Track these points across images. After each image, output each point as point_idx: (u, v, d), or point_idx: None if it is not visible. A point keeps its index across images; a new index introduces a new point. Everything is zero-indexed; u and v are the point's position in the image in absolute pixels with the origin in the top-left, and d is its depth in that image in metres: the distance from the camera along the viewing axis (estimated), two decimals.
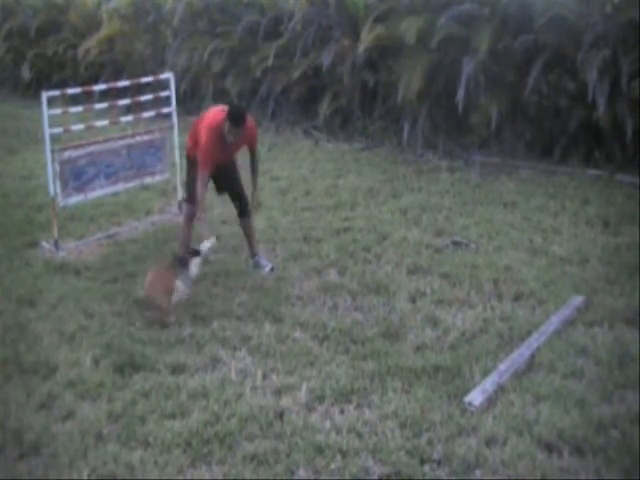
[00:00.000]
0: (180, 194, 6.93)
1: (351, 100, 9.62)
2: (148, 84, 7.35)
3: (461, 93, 7.93)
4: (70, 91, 6.91)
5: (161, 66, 11.11)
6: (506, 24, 8.17)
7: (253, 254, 5.62)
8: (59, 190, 6.01)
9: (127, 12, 12.21)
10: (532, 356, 4.15)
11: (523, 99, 7.98)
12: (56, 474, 3.35)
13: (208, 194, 5.35)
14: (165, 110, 6.94)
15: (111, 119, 7.19)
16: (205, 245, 5.08)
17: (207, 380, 4.04)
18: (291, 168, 8.39)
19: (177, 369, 4.18)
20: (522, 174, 7.79)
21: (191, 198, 5.47)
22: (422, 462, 3.34)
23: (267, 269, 5.50)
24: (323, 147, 9.33)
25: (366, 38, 8.85)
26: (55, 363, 4.24)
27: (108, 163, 6.36)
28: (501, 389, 3.85)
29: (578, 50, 7.57)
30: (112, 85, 7.48)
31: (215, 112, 5.21)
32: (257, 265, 5.55)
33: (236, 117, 5.00)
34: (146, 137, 6.68)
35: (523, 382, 3.92)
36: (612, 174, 7.42)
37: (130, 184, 6.67)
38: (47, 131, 5.86)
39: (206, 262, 5.18)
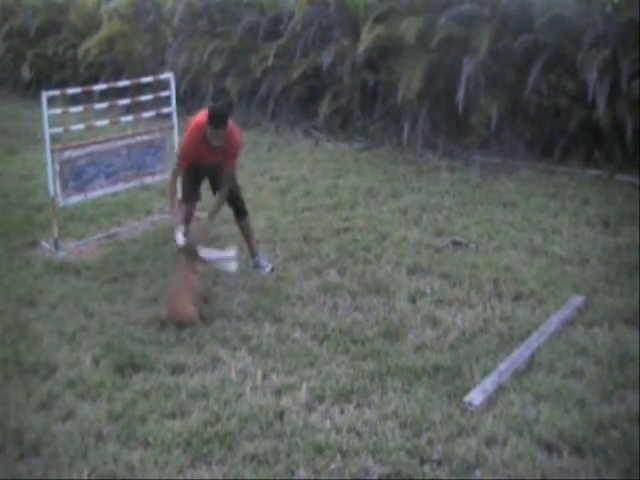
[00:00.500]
0: (180, 194, 6.93)
1: (351, 100, 9.62)
2: (148, 84, 7.35)
3: (461, 93, 7.93)
4: (70, 91, 6.91)
5: (161, 66, 11.10)
6: (506, 24, 8.17)
7: (253, 254, 5.63)
8: (59, 190, 6.01)
9: (127, 12, 12.20)
10: (532, 356, 4.15)
11: (523, 99, 7.98)
12: (56, 474, 3.35)
13: (199, 193, 5.45)
14: (165, 110, 6.94)
15: (111, 119, 7.18)
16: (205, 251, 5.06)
17: (207, 380, 4.04)
18: (291, 168, 8.39)
19: (177, 369, 4.17)
20: (522, 174, 7.79)
21: (185, 198, 5.51)
22: (422, 462, 3.34)
23: (267, 269, 5.50)
24: (323, 147, 9.33)
25: (366, 38, 8.85)
26: (55, 363, 4.24)
27: (108, 163, 6.36)
28: (501, 389, 3.85)
29: (578, 50, 7.57)
30: (112, 85, 7.49)
31: (204, 113, 5.17)
32: (257, 265, 5.55)
33: (214, 118, 4.91)
34: (146, 137, 6.68)
35: (523, 382, 3.92)
36: (612, 174, 7.42)
37: (130, 184, 6.67)
38: (47, 131, 5.86)
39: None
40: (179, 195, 5.58)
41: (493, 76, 8.22)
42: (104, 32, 12.31)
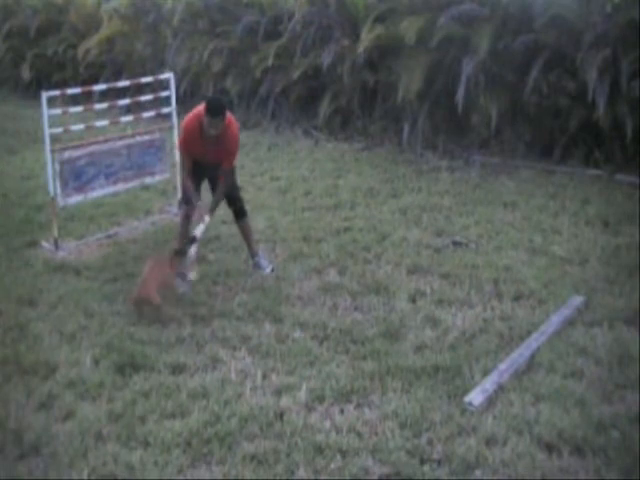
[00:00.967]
0: (180, 194, 6.93)
1: (351, 100, 9.62)
2: (148, 84, 7.36)
3: (461, 93, 7.93)
4: (70, 91, 6.91)
5: (161, 66, 11.10)
6: (506, 24, 8.16)
7: (253, 255, 5.62)
8: (59, 190, 6.01)
9: (127, 12, 12.20)
10: (532, 356, 4.14)
11: (523, 99, 7.98)
12: (56, 474, 3.35)
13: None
14: (165, 110, 6.95)
15: (111, 119, 7.19)
16: (200, 228, 5.15)
17: (207, 380, 4.04)
18: (291, 168, 8.40)
19: (177, 369, 4.17)
20: (522, 174, 7.79)
21: (185, 199, 5.52)
22: (422, 462, 3.34)
23: (268, 270, 5.50)
24: (323, 147, 9.33)
25: (366, 38, 8.85)
26: (55, 363, 4.24)
27: (108, 163, 6.36)
28: (501, 389, 3.85)
29: (578, 50, 7.57)
30: (112, 85, 7.49)
31: (200, 107, 5.16)
32: (257, 266, 5.55)
33: (211, 107, 4.93)
34: (146, 137, 6.68)
35: (523, 382, 3.92)
36: (612, 174, 7.42)
37: (130, 184, 6.67)
38: (47, 131, 5.87)
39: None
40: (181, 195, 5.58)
41: (493, 76, 8.22)
42: (104, 32, 12.31)
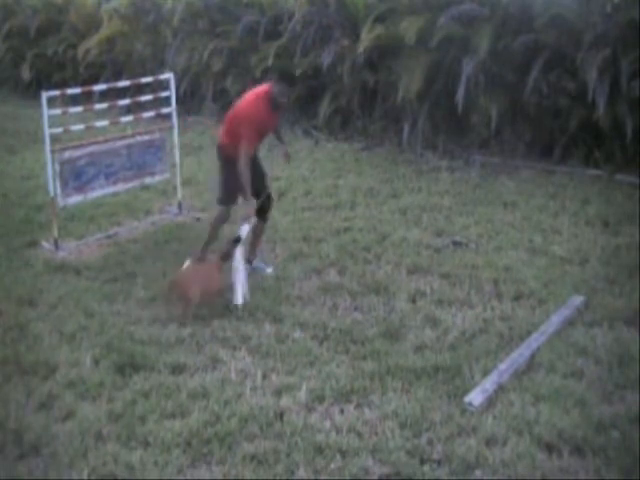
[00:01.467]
0: (180, 194, 6.94)
1: (351, 100, 9.61)
2: (148, 84, 7.35)
3: (461, 93, 7.92)
4: (70, 91, 6.91)
5: (161, 66, 11.10)
6: (506, 24, 8.16)
7: (252, 257, 5.59)
8: (59, 190, 6.01)
9: (127, 12, 12.20)
10: (532, 356, 4.15)
11: (523, 99, 7.98)
12: (56, 474, 3.35)
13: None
14: (165, 110, 6.94)
15: (111, 119, 7.19)
16: (245, 228, 5.13)
17: (207, 380, 4.04)
18: (291, 168, 8.38)
19: (177, 369, 4.17)
20: (522, 174, 7.79)
21: (226, 199, 5.44)
22: (422, 462, 3.34)
23: (268, 271, 5.49)
24: (323, 147, 9.32)
25: (366, 38, 8.84)
26: (55, 363, 4.24)
27: (108, 163, 6.36)
28: (501, 389, 3.85)
29: (578, 50, 7.57)
30: (112, 85, 7.49)
31: (253, 91, 5.30)
32: (257, 269, 5.52)
33: (290, 76, 5.28)
34: (146, 137, 6.68)
35: (523, 382, 3.92)
36: (612, 174, 7.42)
37: (130, 184, 6.67)
38: (47, 131, 5.87)
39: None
40: (219, 197, 5.52)
41: (493, 76, 8.22)
42: (104, 32, 12.31)
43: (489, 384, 3.85)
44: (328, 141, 9.50)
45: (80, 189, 6.20)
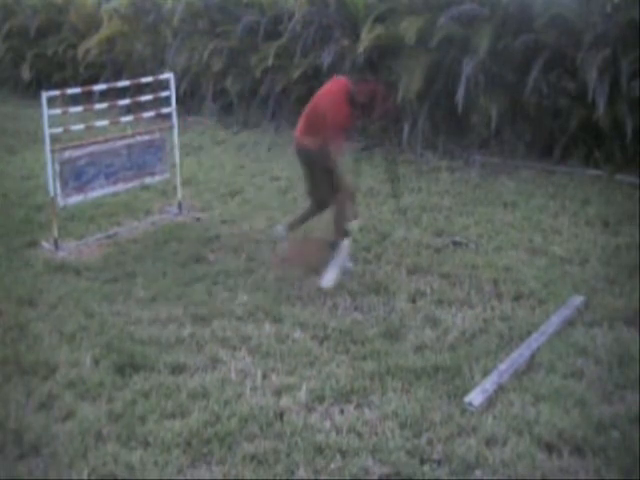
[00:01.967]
0: (180, 194, 6.94)
1: None
2: (148, 84, 7.35)
3: (461, 93, 7.92)
4: (70, 91, 6.90)
5: (161, 66, 11.10)
6: (506, 24, 8.16)
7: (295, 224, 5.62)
8: (59, 190, 6.01)
9: (127, 12, 12.20)
10: (532, 356, 4.14)
11: (523, 99, 7.98)
12: (56, 474, 3.35)
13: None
14: (165, 110, 6.94)
15: (111, 119, 7.19)
16: (354, 224, 5.35)
17: (207, 380, 4.04)
18: (291, 168, 8.37)
19: (177, 369, 4.17)
20: (522, 174, 7.78)
21: (328, 196, 5.27)
22: (422, 462, 3.34)
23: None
24: None
25: (366, 38, 8.84)
26: (55, 363, 4.24)
27: (108, 163, 6.36)
28: (501, 389, 3.85)
29: (578, 50, 7.57)
30: (112, 85, 7.48)
31: (333, 83, 5.29)
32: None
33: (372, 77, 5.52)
34: (146, 137, 6.68)
35: (523, 382, 3.92)
36: (612, 174, 7.41)
37: (130, 184, 6.67)
38: (47, 131, 5.87)
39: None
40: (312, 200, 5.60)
41: (493, 76, 8.22)
42: (104, 32, 12.31)
43: (489, 384, 3.85)
44: None
45: (80, 189, 6.20)
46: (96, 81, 11.31)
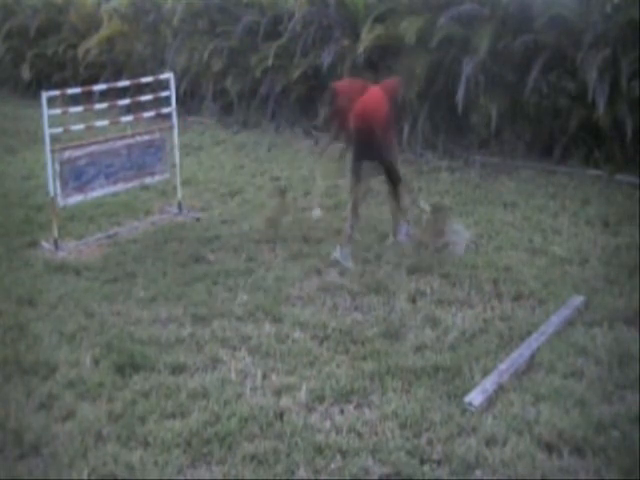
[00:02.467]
0: (180, 194, 6.94)
1: None
2: (148, 84, 7.35)
3: (461, 93, 7.92)
4: (70, 91, 6.92)
5: (161, 66, 11.10)
6: (506, 24, 8.16)
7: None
8: (59, 190, 6.01)
9: (127, 12, 12.20)
10: (532, 356, 4.15)
11: (523, 99, 7.98)
12: (56, 474, 3.35)
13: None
14: (165, 110, 6.94)
15: (111, 119, 7.19)
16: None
17: (207, 380, 4.04)
18: (291, 168, 8.39)
19: (177, 369, 4.17)
20: (522, 174, 7.78)
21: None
22: (422, 462, 3.34)
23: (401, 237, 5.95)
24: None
25: (366, 38, 8.84)
26: (55, 363, 4.24)
27: (108, 163, 6.36)
28: (501, 389, 3.85)
29: (578, 50, 7.56)
30: (112, 85, 7.49)
31: (379, 87, 5.74)
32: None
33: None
34: (146, 137, 6.68)
35: (523, 382, 3.92)
36: (612, 174, 7.41)
37: (130, 184, 6.67)
38: (47, 131, 5.87)
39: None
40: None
41: (493, 76, 8.22)
42: (104, 32, 12.31)
43: (489, 384, 3.85)
44: None
45: (80, 189, 6.20)
46: (96, 81, 11.30)
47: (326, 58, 9.27)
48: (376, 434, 3.55)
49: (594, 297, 4.88)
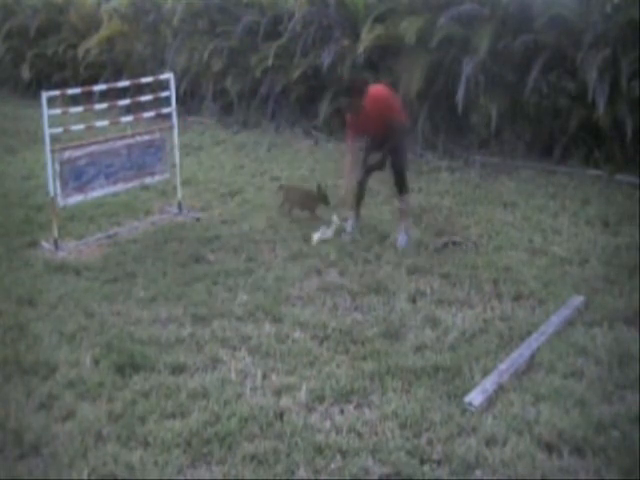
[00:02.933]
0: (180, 194, 6.94)
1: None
2: (148, 84, 7.35)
3: (461, 93, 7.92)
4: (70, 91, 6.91)
5: (161, 66, 11.10)
6: (506, 24, 8.17)
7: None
8: (59, 190, 6.01)
9: (127, 12, 12.21)
10: (532, 356, 4.14)
11: (523, 99, 7.98)
12: (56, 474, 3.35)
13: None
14: (165, 110, 6.94)
15: (111, 119, 7.19)
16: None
17: (207, 380, 4.04)
18: (291, 168, 8.39)
19: (177, 369, 4.17)
20: (522, 174, 7.79)
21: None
22: (422, 462, 3.34)
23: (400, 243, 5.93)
24: (323, 147, 9.32)
25: (366, 38, 8.85)
26: (55, 363, 4.24)
27: (108, 163, 6.36)
28: (501, 389, 3.85)
29: (578, 50, 7.57)
30: (112, 85, 7.48)
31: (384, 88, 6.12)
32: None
33: None
34: (146, 137, 6.68)
35: (523, 382, 3.92)
36: (612, 174, 7.42)
37: (130, 184, 6.67)
38: (47, 131, 5.86)
39: None
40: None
41: (493, 76, 8.22)
42: (104, 32, 12.32)
43: (489, 384, 3.85)
44: (328, 141, 9.50)
45: (80, 189, 6.20)
46: (96, 81, 11.32)
47: (326, 58, 9.28)
48: (376, 434, 3.55)
49: (594, 297, 4.88)
